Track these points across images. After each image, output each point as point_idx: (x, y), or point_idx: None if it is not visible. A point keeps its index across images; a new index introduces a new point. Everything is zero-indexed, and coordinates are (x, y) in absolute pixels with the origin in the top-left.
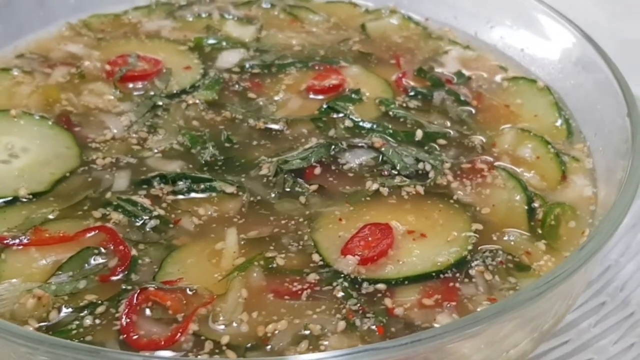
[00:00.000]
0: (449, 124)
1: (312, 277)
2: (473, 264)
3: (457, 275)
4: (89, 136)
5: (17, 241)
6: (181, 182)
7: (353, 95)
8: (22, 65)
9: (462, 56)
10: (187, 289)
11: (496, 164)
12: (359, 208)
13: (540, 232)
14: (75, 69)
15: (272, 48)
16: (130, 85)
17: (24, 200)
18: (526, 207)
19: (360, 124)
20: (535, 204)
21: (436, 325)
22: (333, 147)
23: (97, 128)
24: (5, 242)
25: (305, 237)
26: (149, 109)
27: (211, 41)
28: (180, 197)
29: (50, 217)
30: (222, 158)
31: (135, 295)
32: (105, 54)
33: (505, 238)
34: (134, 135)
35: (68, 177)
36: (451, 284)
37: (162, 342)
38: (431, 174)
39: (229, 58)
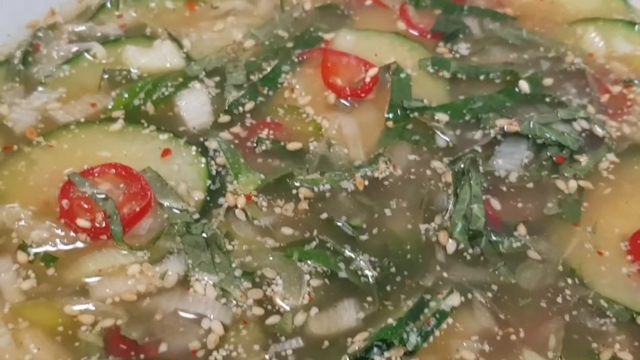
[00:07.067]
0: (526, 56)
1: None
2: None
3: None
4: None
5: None
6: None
7: (401, 76)
8: None
9: None
10: None
11: (625, 78)
12: (600, 216)
13: None
14: (25, 255)
15: (219, 59)
16: (139, 231)
17: None
18: None
19: (455, 110)
20: None
21: None
22: (475, 158)
23: (185, 324)
24: None
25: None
26: (205, 244)
27: (137, 101)
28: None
29: None
30: (390, 262)
31: None
32: (35, 203)
33: None
34: (242, 287)
35: None
36: None
37: None
38: (598, 131)
39: (195, 105)
